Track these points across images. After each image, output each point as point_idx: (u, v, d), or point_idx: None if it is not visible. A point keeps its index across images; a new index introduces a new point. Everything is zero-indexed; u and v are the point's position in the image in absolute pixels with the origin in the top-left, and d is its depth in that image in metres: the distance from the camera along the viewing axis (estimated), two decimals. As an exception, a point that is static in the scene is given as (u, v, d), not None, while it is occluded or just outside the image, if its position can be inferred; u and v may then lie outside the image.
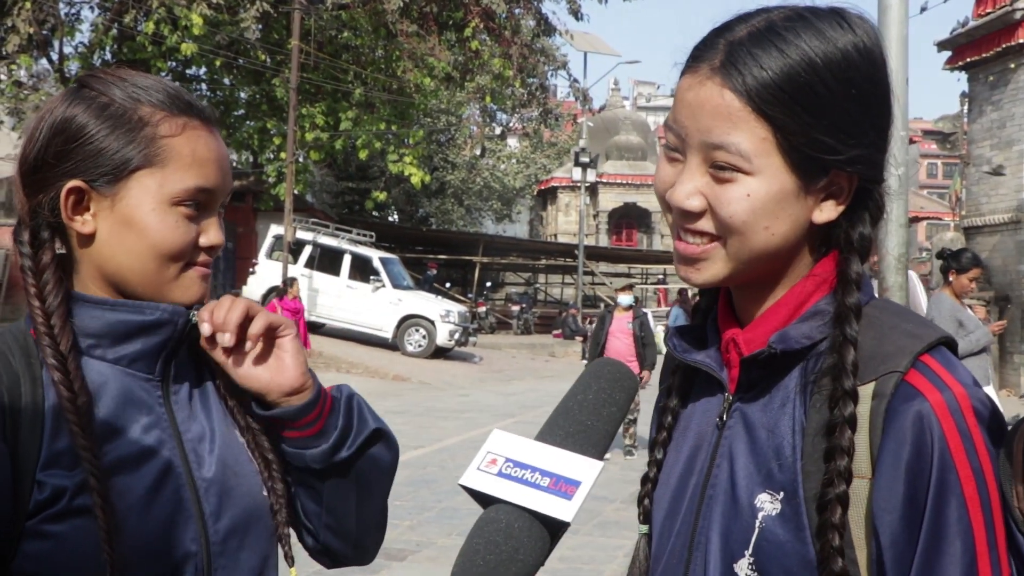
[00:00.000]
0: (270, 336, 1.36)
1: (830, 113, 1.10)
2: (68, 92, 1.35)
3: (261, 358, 1.36)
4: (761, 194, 1.11)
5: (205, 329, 1.33)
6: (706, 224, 1.15)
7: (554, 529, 1.02)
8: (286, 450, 1.39)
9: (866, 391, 1.09)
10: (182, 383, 1.39)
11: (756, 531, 1.11)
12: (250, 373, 1.35)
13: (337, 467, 1.39)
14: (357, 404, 1.43)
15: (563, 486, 1.02)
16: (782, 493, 1.11)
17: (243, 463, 1.39)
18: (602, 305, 10.76)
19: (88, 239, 1.32)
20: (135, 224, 1.30)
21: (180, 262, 1.33)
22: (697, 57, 1.14)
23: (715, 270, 1.17)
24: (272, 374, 1.35)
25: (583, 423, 1.08)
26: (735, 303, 1.25)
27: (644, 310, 12.31)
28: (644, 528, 1.30)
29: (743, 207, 1.12)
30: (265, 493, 1.40)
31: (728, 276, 1.17)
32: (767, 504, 1.11)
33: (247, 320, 1.34)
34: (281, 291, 16.66)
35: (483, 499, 1.04)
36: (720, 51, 1.12)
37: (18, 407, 1.23)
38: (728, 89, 1.10)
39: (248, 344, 1.34)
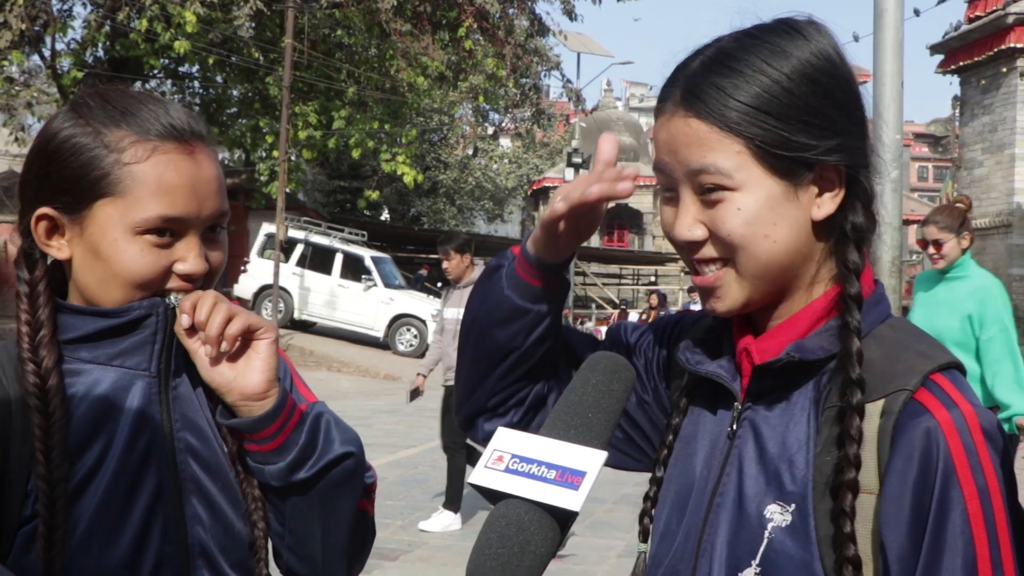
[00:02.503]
0: (247, 337, 1.33)
1: (795, 114, 1.14)
2: (58, 111, 1.35)
3: (231, 356, 1.33)
4: (751, 204, 1.14)
5: (184, 320, 1.31)
6: (710, 250, 1.18)
7: (563, 519, 1.04)
8: (250, 464, 1.36)
9: (875, 408, 1.10)
10: (183, 377, 1.37)
11: (764, 541, 1.12)
12: (215, 367, 1.32)
13: (297, 487, 1.34)
14: (325, 423, 1.37)
15: (569, 477, 1.03)
16: (793, 505, 1.12)
17: (228, 471, 1.38)
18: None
19: (68, 263, 1.33)
20: (100, 253, 1.29)
21: (146, 290, 1.31)
22: (662, 99, 1.21)
23: (733, 295, 1.19)
24: (236, 374, 1.32)
25: (584, 416, 1.10)
26: (753, 319, 1.25)
27: None
28: (643, 546, 1.30)
29: (738, 221, 1.14)
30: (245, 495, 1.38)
31: (747, 299, 1.19)
32: (777, 515, 1.12)
33: (228, 320, 1.31)
34: None
35: (493, 496, 1.06)
36: (679, 86, 1.18)
37: (9, 422, 1.24)
38: (693, 117, 1.16)
39: (223, 345, 1.31)
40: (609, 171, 1.21)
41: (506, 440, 1.08)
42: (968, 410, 1.07)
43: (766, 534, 1.12)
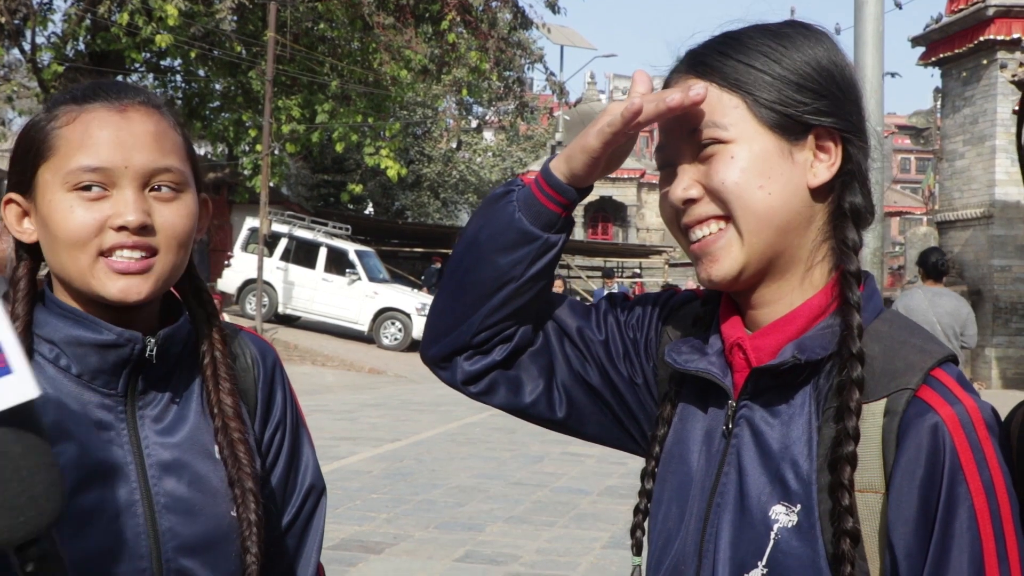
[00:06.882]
0: None
1: (793, 77, 1.17)
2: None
3: None
4: (745, 154, 1.15)
5: None
6: (705, 207, 1.18)
7: (26, 418, 0.88)
8: None
9: (877, 407, 1.10)
10: (156, 396, 1.37)
11: (771, 543, 1.11)
12: None
13: None
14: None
15: None
16: (799, 506, 1.12)
17: (217, 484, 1.37)
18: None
19: (39, 247, 1.35)
20: (45, 220, 1.30)
21: (84, 249, 1.28)
22: (668, 77, 1.23)
23: (732, 255, 1.17)
24: None
25: None
26: (742, 306, 1.24)
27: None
28: (638, 560, 1.29)
29: (731, 170, 1.15)
30: (234, 514, 1.37)
31: (745, 262, 1.17)
32: (783, 516, 1.12)
33: None
34: None
35: None
36: (684, 61, 1.22)
37: None
38: (693, 77, 1.19)
39: None
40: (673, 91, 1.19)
41: None
42: (971, 405, 1.08)
43: (772, 535, 1.11)
